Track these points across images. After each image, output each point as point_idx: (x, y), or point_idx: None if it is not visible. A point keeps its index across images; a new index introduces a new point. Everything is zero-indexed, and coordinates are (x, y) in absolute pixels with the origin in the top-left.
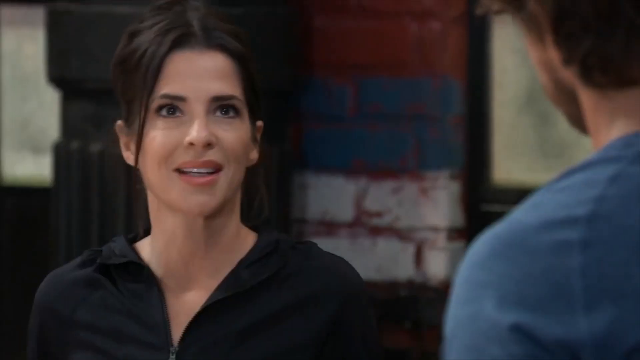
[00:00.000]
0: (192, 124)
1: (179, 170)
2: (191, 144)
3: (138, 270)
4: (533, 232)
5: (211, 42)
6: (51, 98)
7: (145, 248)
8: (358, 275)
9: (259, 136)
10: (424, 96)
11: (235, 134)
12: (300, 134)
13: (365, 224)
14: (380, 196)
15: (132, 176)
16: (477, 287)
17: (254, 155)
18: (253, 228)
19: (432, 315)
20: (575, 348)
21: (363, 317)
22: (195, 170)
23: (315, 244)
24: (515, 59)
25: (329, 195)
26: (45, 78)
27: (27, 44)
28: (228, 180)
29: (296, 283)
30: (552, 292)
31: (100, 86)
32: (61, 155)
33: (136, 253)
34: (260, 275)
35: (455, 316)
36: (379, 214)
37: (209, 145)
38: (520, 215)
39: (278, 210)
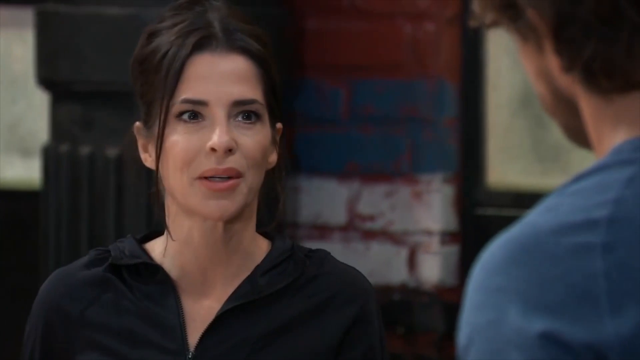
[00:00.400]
0: (213, 129)
1: (201, 178)
2: (213, 149)
3: (150, 272)
4: (550, 235)
5: (233, 45)
6: (40, 100)
7: (156, 250)
8: (370, 283)
9: (278, 138)
10: (417, 98)
11: (255, 139)
12: (292, 136)
13: (358, 228)
14: (373, 200)
15: (123, 179)
16: (495, 293)
17: (273, 158)
18: (264, 234)
19: (425, 320)
20: (603, 351)
21: (376, 324)
22: (216, 177)
23: (328, 252)
24: (510, 61)
25: (322, 199)
26: (34, 80)
27: (16, 46)
28: (248, 185)
29: (312, 291)
30: (575, 296)
31: (90, 88)
32: (50, 158)
33: (147, 254)
34: (277, 284)
35: (472, 322)
36: (372, 218)
37: (229, 150)
38: (534, 219)
39: (270, 214)
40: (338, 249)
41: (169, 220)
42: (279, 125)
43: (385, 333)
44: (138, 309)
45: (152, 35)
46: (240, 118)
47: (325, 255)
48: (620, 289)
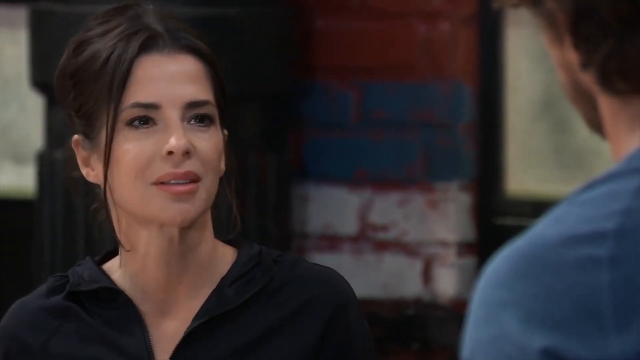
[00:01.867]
0: (168, 132)
1: (157, 183)
2: (170, 152)
3: (111, 296)
4: (556, 247)
5: (180, 44)
6: (34, 104)
7: (116, 270)
8: (347, 284)
9: (224, 145)
10: (432, 102)
11: (211, 142)
12: (300, 142)
13: (369, 239)
14: (386, 209)
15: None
16: (497, 307)
17: (222, 165)
18: (230, 242)
19: (441, 335)
20: None
21: (356, 326)
22: (174, 181)
23: (299, 256)
24: (530, 62)
25: (331, 208)
26: (27, 82)
27: (8, 46)
28: (206, 191)
29: (283, 297)
30: (579, 311)
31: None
32: (45, 165)
33: (107, 277)
34: (245, 293)
35: (473, 338)
36: (384, 228)
37: (187, 154)
38: (541, 230)
39: (277, 224)
40: (348, 261)
41: (122, 237)
42: (225, 132)
43: (390, 348)
44: (102, 337)
45: (82, 44)
46: (193, 122)
47: (296, 259)
48: (627, 304)
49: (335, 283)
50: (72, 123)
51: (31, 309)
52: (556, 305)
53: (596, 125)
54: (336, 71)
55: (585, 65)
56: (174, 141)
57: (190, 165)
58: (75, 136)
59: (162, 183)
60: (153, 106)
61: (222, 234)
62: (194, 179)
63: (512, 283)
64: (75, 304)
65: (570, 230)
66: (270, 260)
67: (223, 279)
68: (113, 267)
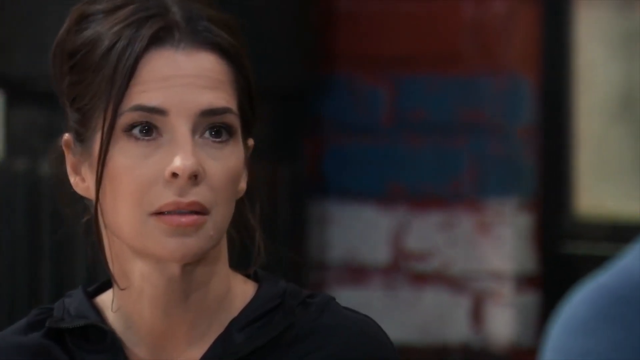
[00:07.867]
0: (174, 148)
1: (157, 213)
2: (174, 174)
3: (99, 335)
4: None
5: (199, 38)
6: None
7: (109, 305)
8: (386, 337)
9: (246, 158)
10: (483, 100)
11: (226, 165)
12: (319, 149)
13: (405, 270)
14: (426, 232)
15: (85, 207)
16: (579, 359)
17: (243, 184)
18: (252, 277)
19: None
20: None
21: None
22: (176, 211)
23: (333, 298)
24: (606, 50)
25: (357, 231)
26: None
27: None
28: (214, 225)
29: (305, 348)
30: None
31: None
32: (3, 177)
33: (98, 312)
34: (258, 339)
35: None
36: (423, 257)
37: (194, 177)
38: (631, 263)
39: (289, 251)
40: (378, 298)
41: (113, 265)
42: (250, 141)
43: None
44: None
45: (85, 19)
46: (207, 135)
47: (327, 302)
48: None
49: (369, 335)
50: (65, 115)
51: (4, 348)
52: None
53: None
54: (363, 62)
55: None
56: (179, 161)
57: (197, 195)
58: (67, 135)
59: (161, 213)
60: (158, 111)
61: (239, 265)
62: (200, 211)
63: (596, 329)
64: (56, 342)
65: None
66: (295, 301)
67: (233, 322)
68: (108, 301)
